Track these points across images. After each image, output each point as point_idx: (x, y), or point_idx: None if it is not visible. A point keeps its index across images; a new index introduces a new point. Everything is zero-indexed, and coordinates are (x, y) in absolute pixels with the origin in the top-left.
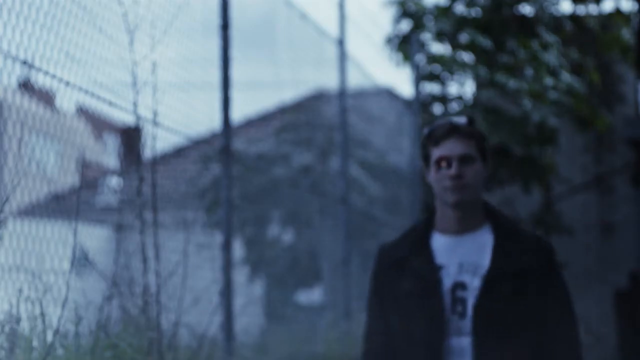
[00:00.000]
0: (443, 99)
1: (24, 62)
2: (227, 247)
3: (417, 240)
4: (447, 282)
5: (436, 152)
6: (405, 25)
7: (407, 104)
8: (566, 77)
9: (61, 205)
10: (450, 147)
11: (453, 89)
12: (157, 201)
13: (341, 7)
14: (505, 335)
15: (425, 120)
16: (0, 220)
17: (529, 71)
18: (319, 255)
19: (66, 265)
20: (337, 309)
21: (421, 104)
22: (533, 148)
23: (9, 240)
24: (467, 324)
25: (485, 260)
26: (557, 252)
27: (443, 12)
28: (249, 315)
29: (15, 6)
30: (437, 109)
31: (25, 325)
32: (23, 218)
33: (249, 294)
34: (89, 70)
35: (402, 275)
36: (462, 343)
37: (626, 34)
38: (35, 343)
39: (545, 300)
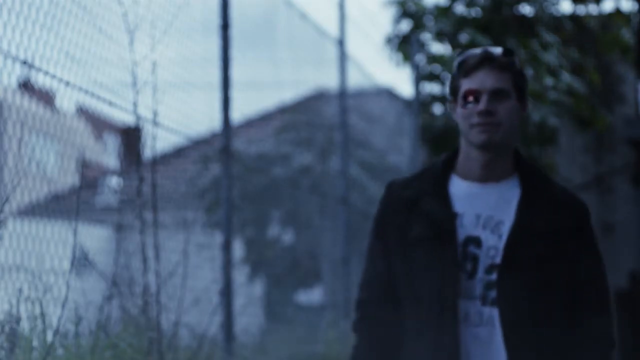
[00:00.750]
0: (443, 99)
1: (24, 62)
2: (227, 247)
3: (434, 182)
4: (460, 233)
5: (465, 84)
6: (405, 25)
7: (407, 104)
8: (566, 77)
9: (61, 205)
10: (481, 79)
11: None
12: (157, 201)
13: (341, 7)
14: (530, 307)
15: (426, 120)
16: (0, 220)
17: (529, 71)
18: (319, 255)
19: (66, 265)
20: (337, 309)
21: (421, 104)
22: (533, 148)
23: (9, 240)
24: (475, 286)
25: (507, 216)
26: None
27: (443, 12)
28: (249, 315)
29: (15, 6)
30: (437, 109)
31: (25, 325)
32: (23, 218)
33: (249, 294)
34: (89, 70)
35: (412, 219)
36: (466, 308)
37: (626, 34)
38: (35, 343)
39: (577, 268)
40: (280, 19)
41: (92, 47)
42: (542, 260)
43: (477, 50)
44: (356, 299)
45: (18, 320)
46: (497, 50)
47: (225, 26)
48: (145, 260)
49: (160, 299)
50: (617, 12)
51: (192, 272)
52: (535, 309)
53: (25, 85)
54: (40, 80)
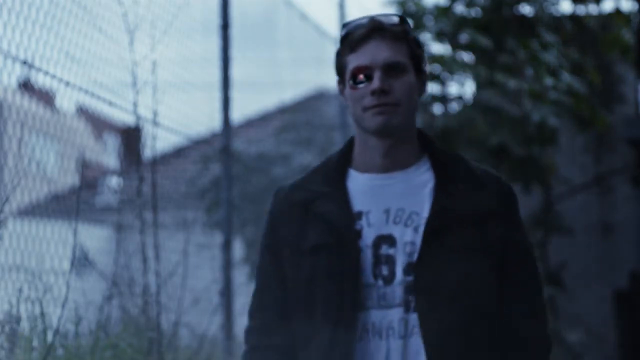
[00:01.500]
0: (443, 99)
1: (24, 62)
2: (227, 247)
3: (327, 179)
4: (368, 234)
5: (353, 60)
6: None
7: None
8: (566, 77)
9: (61, 205)
10: (371, 53)
11: (453, 89)
12: (157, 201)
13: (341, 7)
14: (454, 305)
15: (426, 120)
16: (0, 220)
17: (529, 71)
18: None
19: (66, 265)
20: None
21: (421, 104)
22: (533, 148)
23: (9, 240)
24: (395, 292)
25: (422, 206)
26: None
27: (443, 12)
28: None
29: (15, 6)
30: (437, 109)
31: (25, 325)
32: (23, 218)
33: (249, 294)
34: (89, 70)
35: (306, 225)
36: (388, 317)
37: (626, 34)
38: (35, 343)
39: (505, 260)
40: (280, 19)
41: (92, 47)
42: (465, 251)
43: (364, 19)
44: (245, 327)
45: (18, 320)
46: (388, 17)
47: (225, 26)
48: (145, 260)
49: (160, 299)
50: (617, 12)
51: (192, 272)
52: (459, 311)
53: (25, 85)
54: (40, 80)
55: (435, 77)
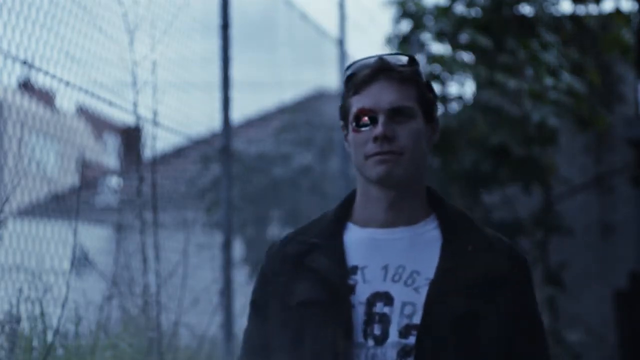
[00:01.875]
0: (443, 98)
1: (24, 62)
2: (227, 247)
3: (323, 232)
4: (363, 290)
5: (356, 103)
6: (406, 26)
7: None
8: (566, 77)
9: (61, 205)
10: (376, 95)
11: (453, 89)
12: (157, 201)
13: (341, 7)
14: None
15: None
16: (0, 220)
17: (529, 71)
18: None
19: (66, 265)
20: None
21: None
22: (533, 148)
23: (9, 240)
24: (386, 354)
25: (425, 265)
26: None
27: (443, 12)
28: None
29: (15, 6)
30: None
31: (25, 325)
32: (23, 218)
33: (249, 294)
34: (89, 70)
35: (296, 280)
36: None
37: (626, 34)
38: (35, 343)
39: (513, 330)
40: (280, 19)
41: (92, 47)
42: (472, 319)
43: (370, 59)
44: None
45: (18, 320)
46: (396, 58)
47: (225, 26)
48: (145, 260)
49: (160, 299)
50: (617, 12)
51: (192, 272)
52: None
53: (25, 85)
54: (40, 80)
55: (435, 77)
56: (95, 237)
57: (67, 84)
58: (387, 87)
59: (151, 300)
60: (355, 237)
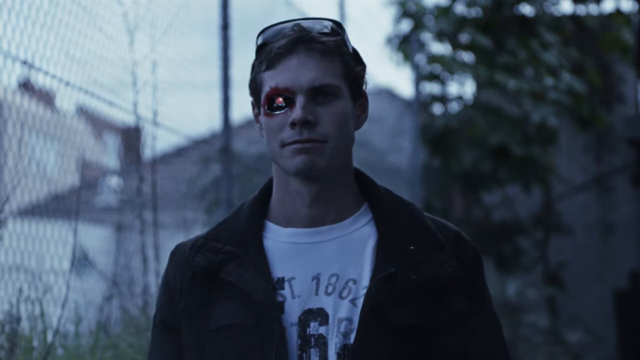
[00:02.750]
0: (443, 98)
1: (24, 62)
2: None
3: (238, 237)
4: (293, 308)
5: (269, 80)
6: (406, 25)
7: (407, 104)
8: (566, 77)
9: (61, 205)
10: (293, 71)
11: (453, 89)
12: (157, 201)
13: (341, 7)
14: None
15: (426, 120)
16: (0, 220)
17: (529, 71)
18: None
19: (66, 265)
20: None
21: (421, 104)
22: (533, 148)
23: (9, 240)
24: None
25: (362, 271)
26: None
27: (443, 12)
28: None
29: (15, 6)
30: (437, 109)
31: (25, 325)
32: (23, 218)
33: None
34: (89, 70)
35: (211, 298)
36: None
37: (626, 34)
38: (35, 343)
39: (466, 339)
40: (280, 19)
41: (92, 47)
42: (417, 332)
43: (286, 25)
44: None
45: (18, 320)
46: (318, 23)
47: (225, 26)
48: (145, 260)
49: None
50: (618, 12)
51: None
52: None
53: (25, 85)
54: (40, 80)
55: (435, 77)
56: (95, 237)
57: (67, 84)
58: (307, 62)
59: (151, 300)
60: (276, 241)
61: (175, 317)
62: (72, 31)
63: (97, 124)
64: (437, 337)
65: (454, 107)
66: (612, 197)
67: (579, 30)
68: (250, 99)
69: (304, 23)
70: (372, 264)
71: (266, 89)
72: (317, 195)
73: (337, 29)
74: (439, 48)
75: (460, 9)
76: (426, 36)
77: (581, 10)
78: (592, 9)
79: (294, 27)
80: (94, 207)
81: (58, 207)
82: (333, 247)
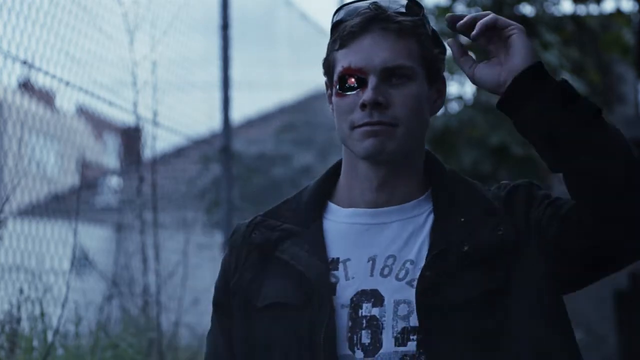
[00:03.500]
0: None
1: (24, 62)
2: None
3: (298, 216)
4: (345, 289)
5: (342, 59)
6: None
7: None
8: (566, 76)
9: (61, 205)
10: (366, 51)
11: (453, 88)
12: (157, 201)
13: None
14: None
15: None
16: (0, 220)
17: None
18: None
19: (66, 265)
20: None
21: None
22: (533, 148)
23: (9, 240)
24: None
25: (419, 251)
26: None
27: (444, 12)
28: None
29: (15, 6)
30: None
31: (25, 325)
32: (23, 218)
33: None
34: (89, 70)
35: (265, 275)
36: None
37: (627, 34)
38: (35, 343)
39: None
40: (280, 19)
41: (92, 47)
42: (481, 302)
43: (363, 3)
44: None
45: (18, 320)
46: (394, 3)
47: (225, 26)
48: (145, 260)
49: (160, 299)
50: (618, 13)
51: (192, 272)
52: None
53: (25, 85)
54: (40, 80)
55: None
56: (95, 237)
57: (67, 84)
58: (381, 42)
59: (151, 300)
60: (337, 222)
61: (228, 297)
62: (72, 31)
63: (97, 124)
64: (502, 301)
65: (454, 107)
66: None
67: (580, 30)
68: (324, 78)
69: (381, 1)
70: (428, 245)
71: (338, 68)
72: (384, 179)
73: (416, 8)
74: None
75: (460, 9)
76: None
77: (581, 10)
78: (593, 9)
79: (370, 6)
80: (94, 207)
81: (58, 207)
82: (392, 229)
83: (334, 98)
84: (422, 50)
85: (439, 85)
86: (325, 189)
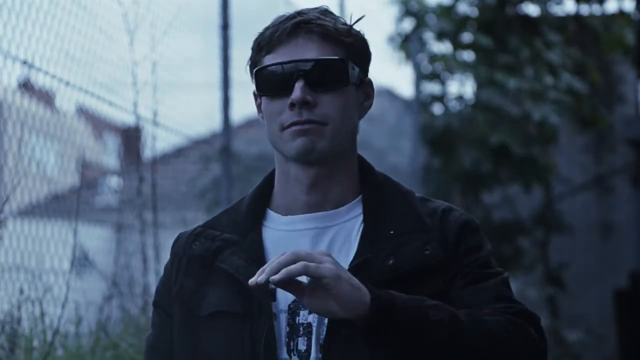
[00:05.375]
0: (443, 99)
1: (24, 62)
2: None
3: (237, 225)
4: (284, 297)
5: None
6: (408, 24)
7: (407, 104)
8: (566, 77)
9: (61, 205)
10: (292, 54)
11: (454, 88)
12: (157, 201)
13: (341, 7)
14: None
15: (426, 120)
16: (0, 220)
17: (529, 71)
18: None
19: (66, 265)
20: None
21: (421, 104)
22: (533, 148)
23: (9, 240)
24: None
25: (347, 258)
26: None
27: (446, 11)
28: None
29: (15, 6)
30: (437, 109)
31: (25, 325)
32: (23, 218)
33: None
34: (89, 70)
35: (205, 285)
36: None
37: (628, 34)
38: (35, 343)
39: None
40: None
41: (92, 47)
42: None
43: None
44: None
45: (18, 320)
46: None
47: (225, 26)
48: (145, 260)
49: None
50: (620, 13)
51: None
52: None
53: (25, 85)
54: (40, 80)
55: (436, 77)
56: (95, 237)
57: (67, 84)
58: (308, 43)
59: (151, 300)
60: (275, 230)
61: (169, 301)
62: (72, 31)
63: (97, 124)
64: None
65: (455, 106)
66: (612, 197)
67: (582, 30)
68: (253, 93)
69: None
70: (355, 252)
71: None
72: (315, 181)
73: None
74: (440, 47)
75: (463, 7)
76: (428, 35)
77: (584, 10)
78: (595, 8)
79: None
80: (94, 207)
81: (58, 207)
82: (327, 235)
83: (263, 103)
84: (350, 54)
85: (366, 88)
86: (263, 197)
